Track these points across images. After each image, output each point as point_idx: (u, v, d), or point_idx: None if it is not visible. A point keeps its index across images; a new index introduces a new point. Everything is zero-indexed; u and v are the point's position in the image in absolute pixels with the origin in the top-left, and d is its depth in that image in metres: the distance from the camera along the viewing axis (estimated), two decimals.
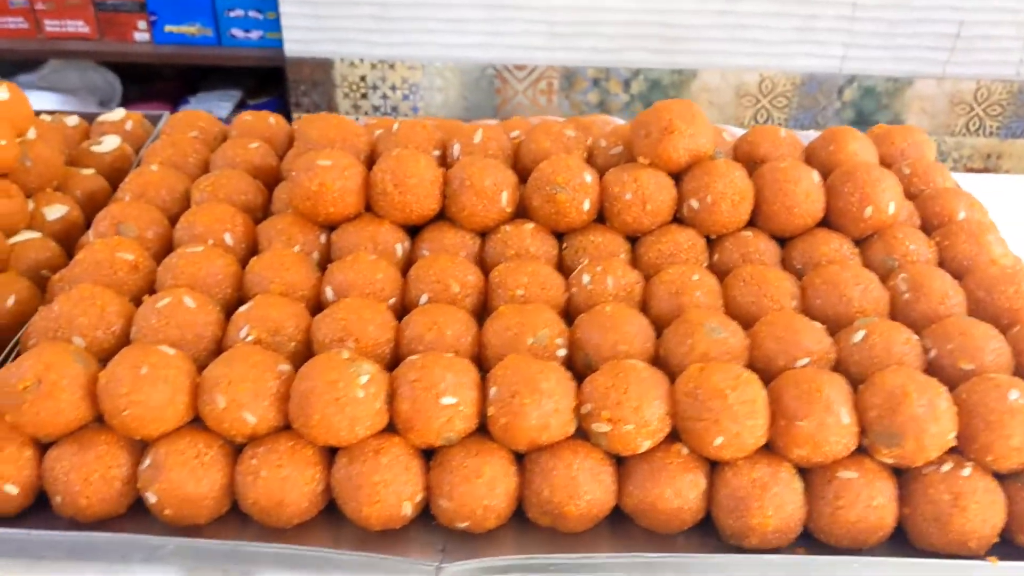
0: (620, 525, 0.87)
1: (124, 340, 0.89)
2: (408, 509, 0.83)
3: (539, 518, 0.86)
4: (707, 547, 0.86)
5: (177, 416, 0.83)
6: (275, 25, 2.73)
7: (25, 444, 0.84)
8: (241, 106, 2.97)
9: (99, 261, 0.96)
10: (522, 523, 0.87)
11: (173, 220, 1.07)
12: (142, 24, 2.77)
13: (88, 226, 1.20)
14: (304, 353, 0.89)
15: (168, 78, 3.06)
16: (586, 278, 0.99)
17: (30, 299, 1.04)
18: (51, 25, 2.79)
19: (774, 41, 2.49)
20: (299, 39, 2.56)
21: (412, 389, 0.82)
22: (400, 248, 1.03)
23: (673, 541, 0.87)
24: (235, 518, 0.86)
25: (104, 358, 0.85)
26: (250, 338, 0.87)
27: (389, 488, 0.81)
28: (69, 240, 1.18)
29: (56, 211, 1.20)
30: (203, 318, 0.89)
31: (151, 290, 0.97)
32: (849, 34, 2.48)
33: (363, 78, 2.61)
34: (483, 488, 0.82)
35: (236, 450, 0.85)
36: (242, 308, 0.90)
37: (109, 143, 1.34)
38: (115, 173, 1.32)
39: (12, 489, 0.83)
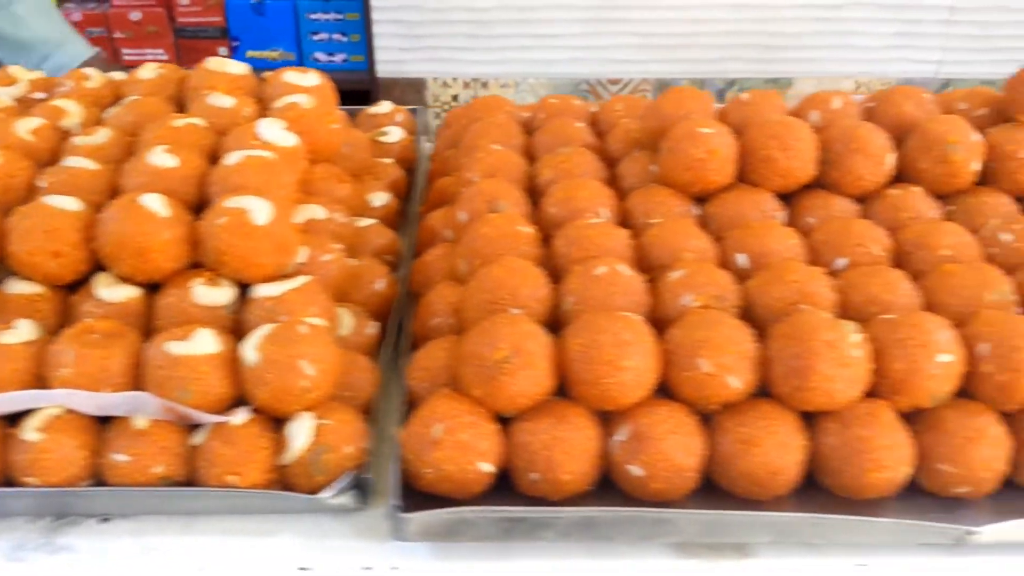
0: None
1: (552, 310, 0.87)
2: (902, 474, 0.80)
3: None
4: None
5: (651, 383, 0.79)
6: (359, 48, 2.70)
7: (492, 419, 0.79)
8: None
9: (506, 234, 0.93)
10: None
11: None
12: (222, 51, 2.74)
13: (402, 214, 1.22)
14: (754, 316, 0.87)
15: None
16: (1006, 236, 0.95)
17: (391, 283, 1.05)
18: (128, 54, 2.75)
19: (872, 47, 2.47)
20: (392, 59, 2.54)
21: (905, 347, 0.79)
22: (779, 217, 1.00)
23: None
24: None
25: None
26: (697, 303, 0.84)
27: (893, 453, 0.78)
28: (390, 226, 1.16)
29: (380, 198, 1.18)
30: (638, 286, 0.88)
31: (542, 260, 0.94)
32: (945, 38, 2.47)
33: (455, 97, 2.58)
34: (988, 450, 0.79)
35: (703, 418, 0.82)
36: (676, 275, 0.88)
37: (395, 134, 1.32)
38: (403, 162, 1.31)
39: (487, 467, 0.78)
